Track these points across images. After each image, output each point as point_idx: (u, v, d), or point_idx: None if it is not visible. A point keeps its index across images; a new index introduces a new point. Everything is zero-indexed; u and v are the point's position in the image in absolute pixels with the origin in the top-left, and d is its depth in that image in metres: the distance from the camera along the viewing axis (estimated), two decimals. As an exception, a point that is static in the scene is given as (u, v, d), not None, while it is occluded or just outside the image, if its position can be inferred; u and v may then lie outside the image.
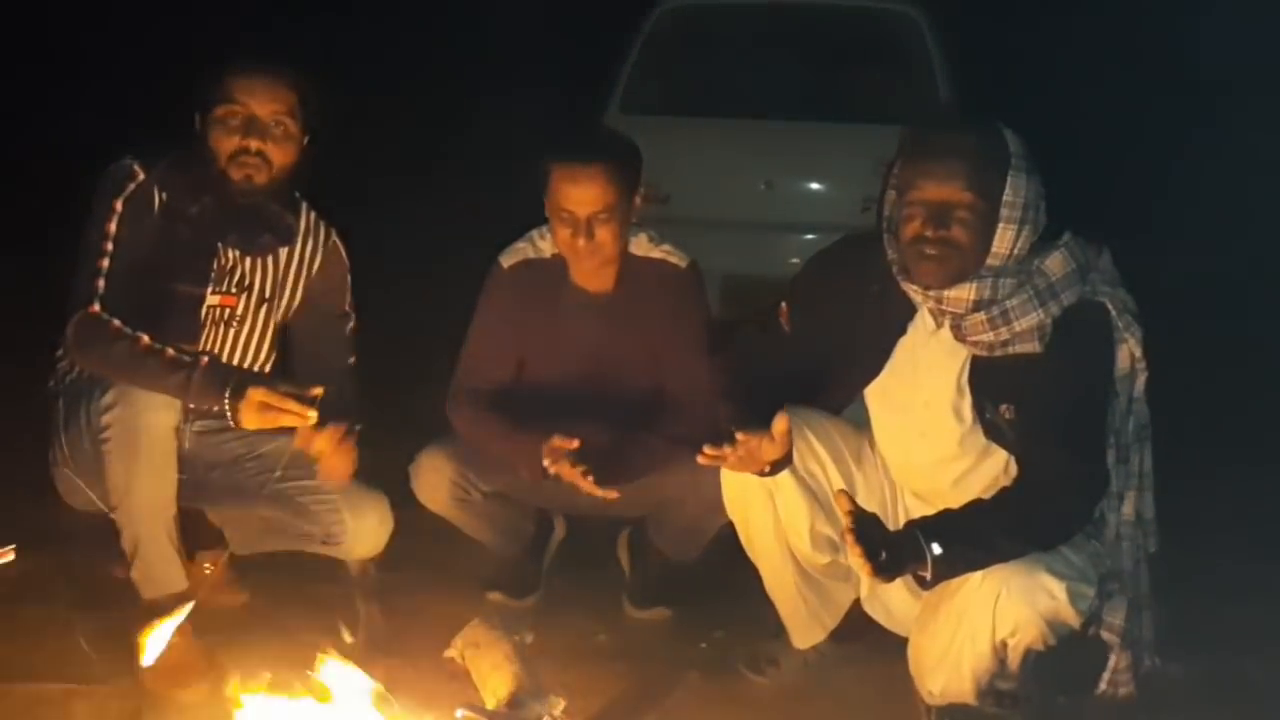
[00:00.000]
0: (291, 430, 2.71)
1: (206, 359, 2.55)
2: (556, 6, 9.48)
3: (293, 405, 2.46)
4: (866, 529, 2.19)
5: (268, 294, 2.82)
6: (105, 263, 2.61)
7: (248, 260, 2.77)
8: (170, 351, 2.53)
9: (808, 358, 2.54)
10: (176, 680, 2.55)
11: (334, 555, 2.91)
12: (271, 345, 2.87)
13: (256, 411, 2.47)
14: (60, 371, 2.76)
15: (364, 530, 2.79)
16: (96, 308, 2.57)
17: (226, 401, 2.48)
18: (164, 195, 2.66)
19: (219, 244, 2.72)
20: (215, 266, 2.73)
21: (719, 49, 5.55)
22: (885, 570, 2.19)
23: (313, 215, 2.88)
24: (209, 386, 2.50)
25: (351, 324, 2.91)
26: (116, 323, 2.55)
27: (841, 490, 2.27)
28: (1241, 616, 3.00)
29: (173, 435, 2.58)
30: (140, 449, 2.54)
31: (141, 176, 2.65)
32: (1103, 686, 2.50)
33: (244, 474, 2.81)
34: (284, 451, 2.83)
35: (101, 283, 2.59)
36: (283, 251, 2.80)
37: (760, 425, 2.34)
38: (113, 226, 2.61)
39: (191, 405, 2.61)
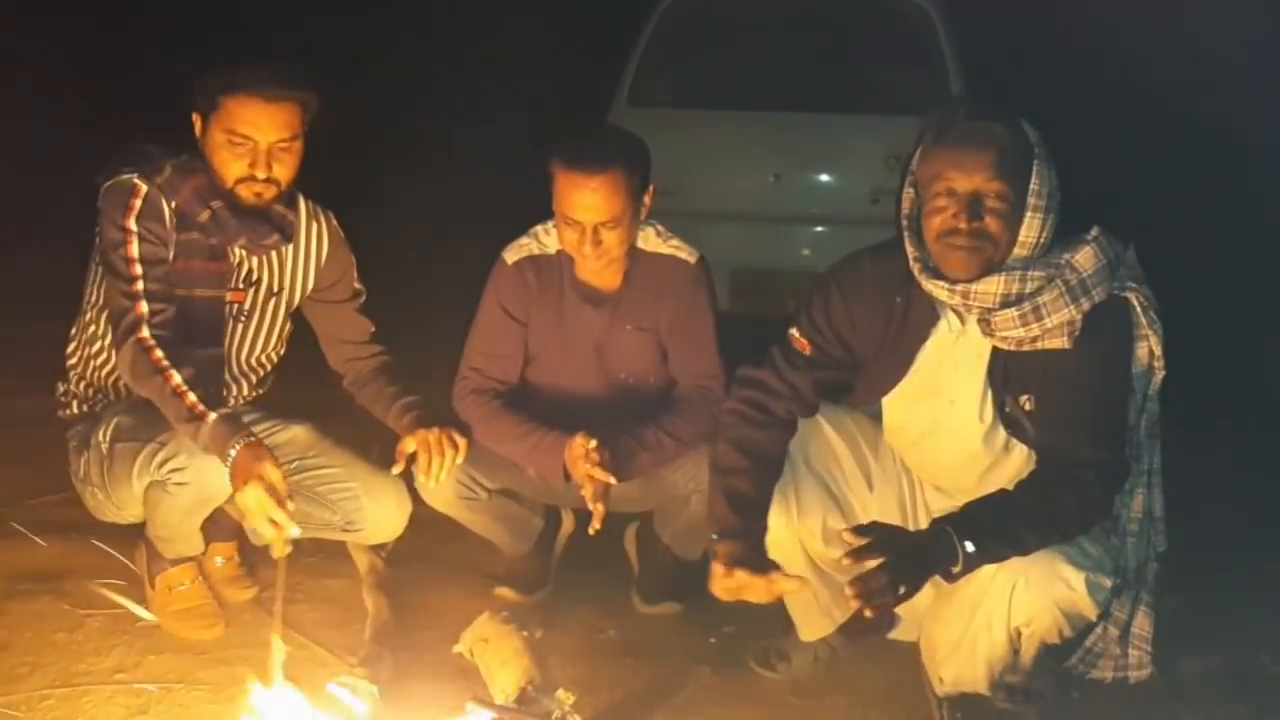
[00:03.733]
0: (305, 421, 2.87)
1: (214, 417, 2.52)
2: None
3: (281, 514, 2.46)
4: (882, 548, 2.15)
5: (276, 288, 2.82)
6: (140, 286, 2.59)
7: (254, 257, 2.77)
8: (191, 399, 2.53)
9: (831, 376, 2.51)
10: (189, 625, 2.73)
11: (354, 540, 2.94)
12: (280, 335, 2.88)
13: (253, 498, 2.48)
14: (85, 393, 2.81)
15: (383, 515, 2.82)
16: (145, 333, 2.57)
17: (229, 462, 2.50)
18: (173, 204, 2.64)
19: (229, 245, 2.71)
20: (230, 267, 2.74)
21: (728, 40, 5.51)
22: (897, 601, 2.17)
23: (310, 204, 2.86)
24: (215, 442, 2.51)
25: (363, 299, 2.95)
26: (159, 354, 2.56)
27: (849, 529, 2.22)
28: (1258, 610, 2.97)
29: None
30: (201, 512, 2.69)
31: (144, 189, 2.62)
32: (1072, 660, 2.51)
33: None
34: (299, 442, 2.86)
35: (144, 305, 2.58)
36: (287, 246, 2.80)
37: (757, 565, 2.31)
38: (134, 249, 2.60)
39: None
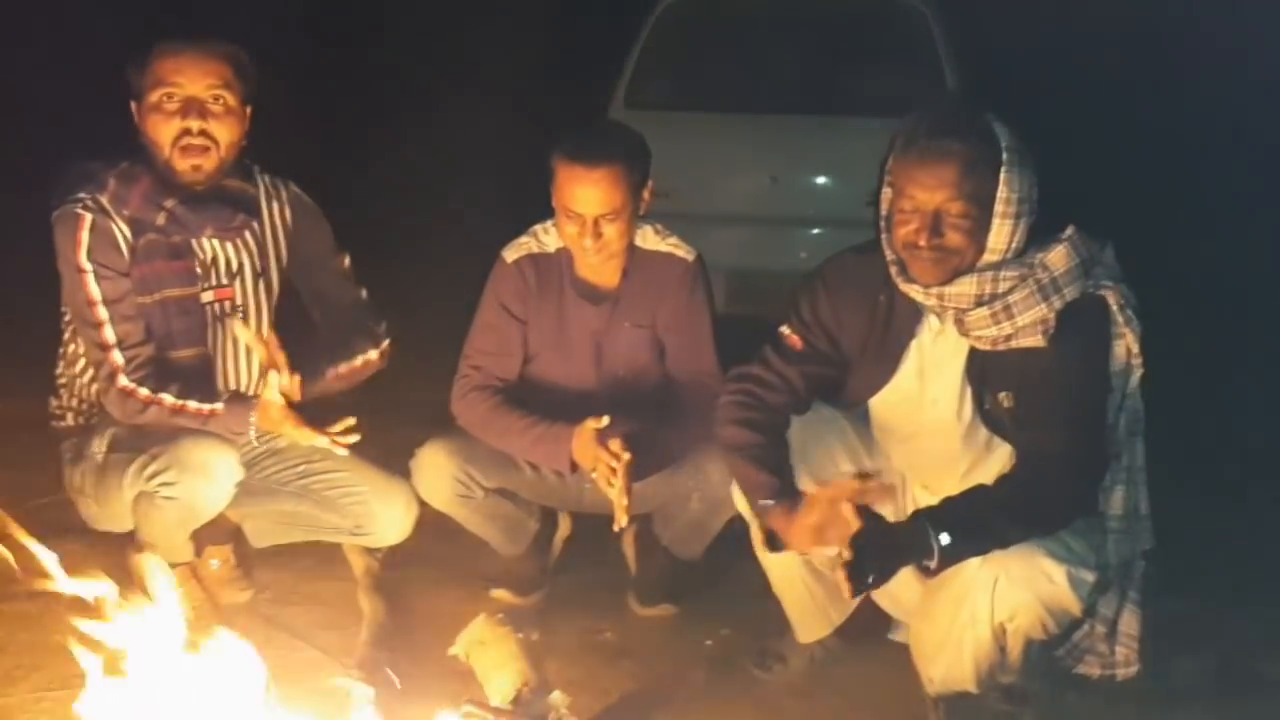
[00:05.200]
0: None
1: (222, 407, 2.59)
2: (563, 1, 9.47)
3: (293, 423, 2.57)
4: (866, 539, 2.17)
5: (259, 268, 2.78)
6: (108, 331, 2.57)
7: (227, 245, 2.72)
8: (192, 406, 2.58)
9: (822, 372, 2.52)
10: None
11: (362, 544, 2.94)
12: (271, 319, 2.84)
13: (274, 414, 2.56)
14: (78, 406, 2.79)
15: (393, 518, 2.82)
16: (123, 383, 2.57)
17: (253, 429, 2.60)
18: (124, 215, 2.59)
19: (192, 240, 2.67)
20: (197, 263, 2.68)
21: (725, 43, 5.52)
22: (869, 587, 2.20)
23: (266, 178, 2.81)
24: (237, 426, 2.60)
25: (346, 259, 2.89)
26: (143, 392, 2.57)
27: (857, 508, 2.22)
28: (1254, 611, 2.98)
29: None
30: (189, 525, 2.69)
31: (89, 218, 2.56)
32: (1060, 652, 2.52)
33: (264, 473, 2.81)
34: (301, 445, 2.81)
35: (116, 355, 2.57)
36: (255, 224, 2.76)
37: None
38: (93, 291, 2.56)
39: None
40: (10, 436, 3.70)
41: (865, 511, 2.23)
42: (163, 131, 2.58)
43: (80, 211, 2.56)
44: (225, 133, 2.61)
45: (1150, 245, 2.57)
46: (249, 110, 2.66)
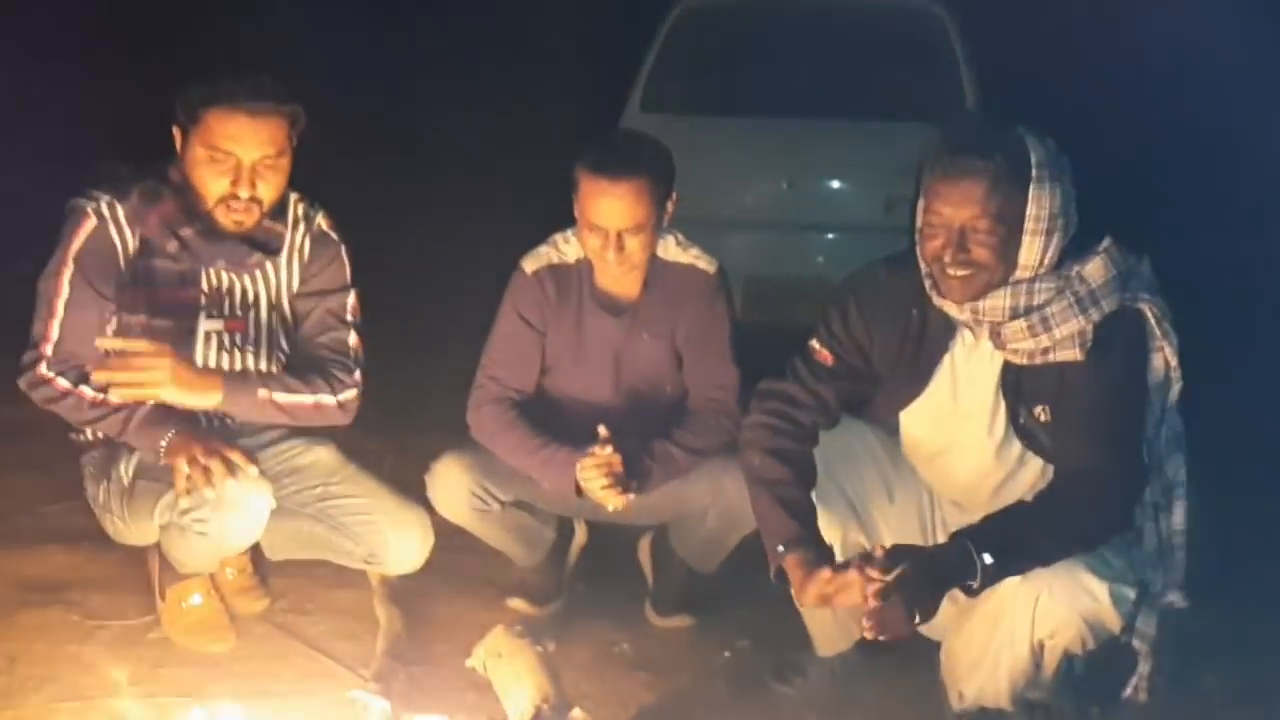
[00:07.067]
0: (328, 442, 2.79)
1: (149, 408, 2.50)
2: (579, 5, 9.46)
3: (220, 460, 2.47)
4: (907, 580, 2.16)
5: (274, 300, 2.72)
6: (54, 326, 2.51)
7: (244, 276, 2.66)
8: (114, 399, 2.48)
9: (852, 387, 2.49)
10: (200, 638, 2.71)
11: (375, 571, 2.90)
12: (287, 345, 2.78)
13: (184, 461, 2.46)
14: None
15: (407, 550, 2.77)
16: (42, 370, 2.50)
17: (162, 449, 2.50)
18: (136, 232, 2.53)
19: (203, 269, 2.61)
20: (205, 291, 2.63)
21: (740, 47, 5.50)
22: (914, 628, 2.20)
23: (300, 206, 2.72)
24: (147, 433, 2.51)
25: (351, 299, 2.76)
26: (62, 382, 2.50)
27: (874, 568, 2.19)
28: (1275, 626, 2.95)
29: None
30: (219, 556, 2.69)
31: (93, 223, 2.51)
32: (1128, 692, 2.47)
33: (284, 490, 2.73)
34: (323, 465, 2.81)
35: (49, 348, 2.51)
36: (272, 260, 2.68)
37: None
38: (64, 285, 2.51)
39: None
40: (23, 441, 3.70)
41: (900, 548, 2.21)
42: (209, 186, 2.52)
43: (90, 212, 2.52)
44: (272, 191, 2.55)
45: (1173, 252, 2.54)
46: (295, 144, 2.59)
